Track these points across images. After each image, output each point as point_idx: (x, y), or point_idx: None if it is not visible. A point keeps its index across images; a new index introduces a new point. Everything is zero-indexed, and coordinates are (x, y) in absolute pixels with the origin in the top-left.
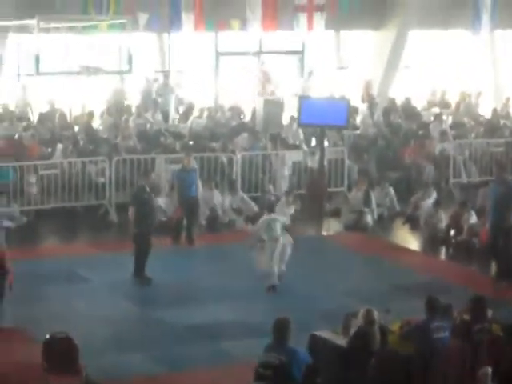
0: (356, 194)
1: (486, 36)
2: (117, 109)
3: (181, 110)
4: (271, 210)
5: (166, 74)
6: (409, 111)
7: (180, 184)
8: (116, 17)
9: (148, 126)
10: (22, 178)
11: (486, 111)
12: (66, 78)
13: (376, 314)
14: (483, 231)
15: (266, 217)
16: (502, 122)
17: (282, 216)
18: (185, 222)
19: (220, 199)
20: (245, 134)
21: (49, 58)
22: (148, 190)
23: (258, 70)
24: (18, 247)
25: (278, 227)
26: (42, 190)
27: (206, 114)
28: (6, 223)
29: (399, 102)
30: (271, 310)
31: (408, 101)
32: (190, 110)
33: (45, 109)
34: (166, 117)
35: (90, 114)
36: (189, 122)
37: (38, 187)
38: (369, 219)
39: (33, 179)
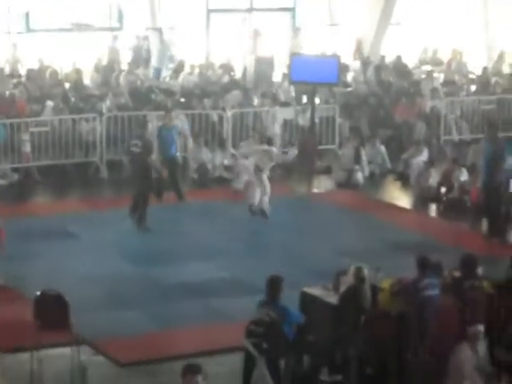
0: (346, 152)
1: None
2: (108, 66)
3: (172, 67)
4: (270, 143)
5: (161, 32)
6: (400, 69)
7: (160, 142)
8: None
9: (139, 82)
10: (13, 135)
11: (477, 69)
12: (56, 35)
13: (366, 272)
14: (474, 189)
15: (260, 147)
16: (493, 79)
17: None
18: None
19: (210, 156)
20: (235, 92)
21: (39, 15)
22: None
23: (249, 28)
24: (9, 205)
25: (269, 161)
26: (32, 147)
27: (197, 71)
28: None
29: (391, 59)
30: (261, 267)
31: (399, 58)
32: (180, 67)
33: (35, 66)
34: (158, 74)
35: (78, 72)
36: (179, 79)
37: (29, 145)
38: (359, 177)
39: (26, 137)
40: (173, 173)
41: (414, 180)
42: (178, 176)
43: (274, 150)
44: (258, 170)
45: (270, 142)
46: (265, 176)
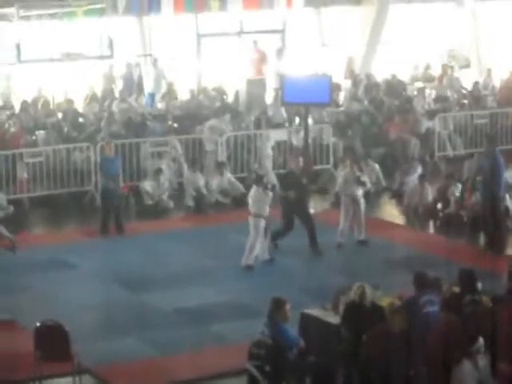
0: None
1: (468, 7)
2: (103, 94)
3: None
4: (260, 182)
5: (155, 58)
6: (392, 87)
7: (104, 174)
8: (96, 1)
9: (132, 110)
10: (8, 166)
11: (468, 84)
12: (48, 66)
13: (368, 289)
14: (470, 203)
15: (255, 190)
16: (483, 92)
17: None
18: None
19: (203, 181)
20: (228, 116)
21: (30, 45)
22: None
23: (253, 51)
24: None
25: (267, 203)
26: (27, 178)
27: (188, 96)
28: None
29: (383, 77)
30: (259, 290)
31: (394, 77)
32: (171, 92)
33: (29, 96)
34: (152, 100)
35: (70, 101)
36: (171, 104)
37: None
38: None
39: (21, 167)
40: (115, 205)
41: (407, 197)
42: (120, 209)
43: (270, 193)
44: (256, 216)
45: (259, 181)
46: (263, 223)
